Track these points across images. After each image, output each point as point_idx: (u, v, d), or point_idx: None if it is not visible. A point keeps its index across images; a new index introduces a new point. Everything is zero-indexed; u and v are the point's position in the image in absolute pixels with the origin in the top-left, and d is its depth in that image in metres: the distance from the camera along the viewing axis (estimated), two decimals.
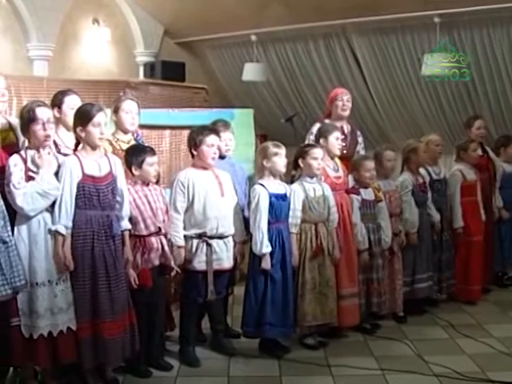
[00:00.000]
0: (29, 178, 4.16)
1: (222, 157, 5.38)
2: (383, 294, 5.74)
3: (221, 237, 5.00)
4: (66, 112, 4.75)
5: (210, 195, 4.96)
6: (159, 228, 4.73)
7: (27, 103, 4.37)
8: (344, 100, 6.25)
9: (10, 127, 4.45)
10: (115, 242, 4.42)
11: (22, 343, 4.15)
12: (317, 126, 6.14)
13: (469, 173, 6.61)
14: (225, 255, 5.04)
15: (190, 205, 4.95)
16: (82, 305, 4.31)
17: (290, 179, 5.39)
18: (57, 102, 4.83)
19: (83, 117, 4.39)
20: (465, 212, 6.53)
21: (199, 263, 4.96)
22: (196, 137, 5.00)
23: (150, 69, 9.87)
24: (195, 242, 4.96)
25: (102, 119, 4.40)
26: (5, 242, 3.93)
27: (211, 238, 4.95)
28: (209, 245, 4.94)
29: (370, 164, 5.73)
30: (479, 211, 6.67)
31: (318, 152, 5.27)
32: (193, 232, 4.96)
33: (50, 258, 4.20)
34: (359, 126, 9.84)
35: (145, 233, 4.68)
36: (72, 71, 9.14)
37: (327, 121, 6.21)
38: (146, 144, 5.24)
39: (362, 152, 6.38)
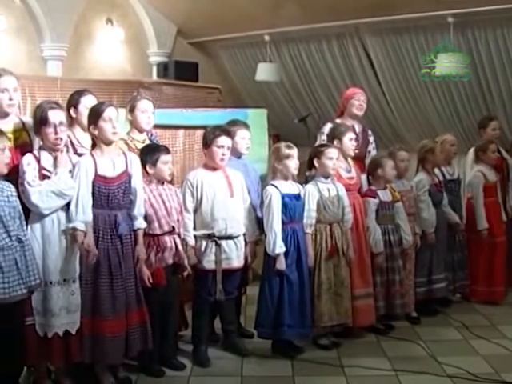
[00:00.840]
0: (43, 177, 4.18)
1: (239, 156, 5.41)
2: (405, 295, 5.74)
3: (230, 237, 5.01)
4: (82, 112, 4.76)
5: (218, 196, 4.97)
6: (173, 227, 4.74)
7: (40, 103, 4.39)
8: (361, 100, 6.26)
9: (24, 127, 4.45)
10: (122, 242, 4.43)
11: (37, 342, 4.18)
12: (328, 125, 6.12)
13: (489, 174, 6.61)
14: (234, 254, 5.05)
15: (199, 205, 4.98)
16: (84, 302, 4.34)
17: (304, 179, 5.39)
18: (73, 103, 4.85)
19: (93, 114, 4.44)
20: (487, 213, 6.54)
21: (208, 262, 4.97)
22: (207, 137, 5.03)
23: (163, 69, 9.87)
24: (204, 241, 4.97)
25: (113, 114, 4.42)
26: (21, 242, 3.95)
27: (220, 238, 4.97)
28: (218, 244, 4.96)
29: (392, 162, 5.76)
30: (501, 212, 6.69)
31: (333, 152, 5.28)
32: (201, 232, 4.98)
33: (65, 257, 4.22)
34: (372, 126, 9.84)
35: (159, 232, 4.69)
36: (86, 71, 9.16)
37: (338, 120, 6.17)
38: (161, 144, 5.25)
39: (374, 152, 6.38)
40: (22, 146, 4.37)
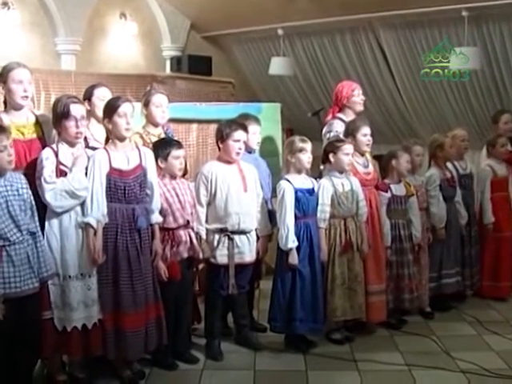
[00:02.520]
0: (60, 172, 4.18)
1: (249, 151, 5.41)
2: (415, 289, 5.73)
3: (243, 232, 5.01)
4: (95, 103, 4.81)
5: (231, 190, 4.96)
6: (187, 221, 4.75)
7: (61, 97, 4.38)
8: (361, 95, 6.06)
9: (37, 121, 4.46)
10: (140, 236, 4.43)
11: (55, 336, 4.19)
12: (336, 123, 5.94)
13: (499, 168, 6.56)
14: (247, 249, 5.04)
15: (212, 199, 4.97)
16: (104, 297, 4.35)
17: (317, 174, 5.38)
18: (87, 95, 4.91)
19: (109, 108, 4.44)
20: (495, 207, 6.50)
21: (221, 256, 4.97)
22: (223, 130, 5.02)
23: (176, 63, 9.90)
24: (217, 235, 4.97)
25: (128, 109, 4.41)
26: (32, 234, 3.96)
27: (233, 233, 4.97)
28: (231, 239, 4.96)
29: (407, 156, 5.73)
30: (510, 207, 6.63)
31: (349, 148, 5.27)
32: (214, 226, 4.98)
33: (82, 252, 4.22)
34: (386, 120, 9.86)
35: (173, 225, 4.69)
36: (99, 65, 9.19)
37: (341, 115, 6.05)
38: (175, 138, 5.25)
39: None
40: (35, 141, 4.37)
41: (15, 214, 3.85)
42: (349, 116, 5.94)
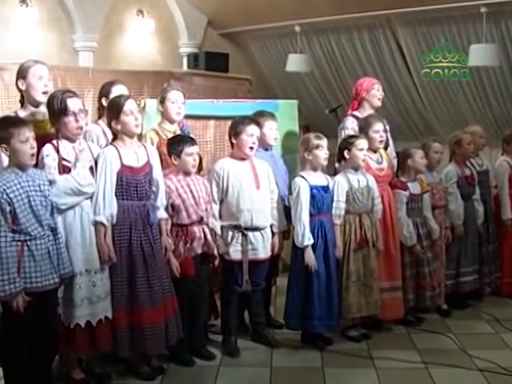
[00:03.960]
0: (63, 168, 4.15)
1: (266, 148, 5.41)
2: (436, 286, 5.72)
3: (256, 228, 5.01)
4: None
5: (243, 187, 4.97)
6: (201, 217, 4.75)
7: (54, 93, 4.31)
8: (380, 90, 6.08)
9: None
10: (153, 231, 4.45)
11: (63, 332, 4.18)
12: (348, 119, 5.99)
13: None
14: (261, 245, 5.05)
15: (225, 196, 4.98)
16: (119, 294, 4.35)
17: (333, 171, 5.37)
18: (104, 93, 4.93)
19: (113, 109, 4.42)
20: None
21: (234, 252, 4.99)
22: (236, 126, 5.03)
23: (193, 60, 9.90)
24: (230, 231, 4.99)
25: (133, 106, 4.41)
26: (53, 230, 3.95)
27: (246, 229, 4.97)
28: (244, 235, 4.97)
29: (421, 152, 5.71)
30: None
31: (363, 143, 5.26)
32: (228, 223, 4.99)
33: (87, 247, 4.20)
34: (403, 118, 9.83)
35: (187, 221, 4.70)
36: (117, 62, 9.21)
37: (356, 113, 6.04)
38: (192, 134, 5.25)
39: (390, 140, 6.17)
40: (52, 137, 4.36)
41: (37, 209, 3.84)
42: (365, 112, 5.94)
